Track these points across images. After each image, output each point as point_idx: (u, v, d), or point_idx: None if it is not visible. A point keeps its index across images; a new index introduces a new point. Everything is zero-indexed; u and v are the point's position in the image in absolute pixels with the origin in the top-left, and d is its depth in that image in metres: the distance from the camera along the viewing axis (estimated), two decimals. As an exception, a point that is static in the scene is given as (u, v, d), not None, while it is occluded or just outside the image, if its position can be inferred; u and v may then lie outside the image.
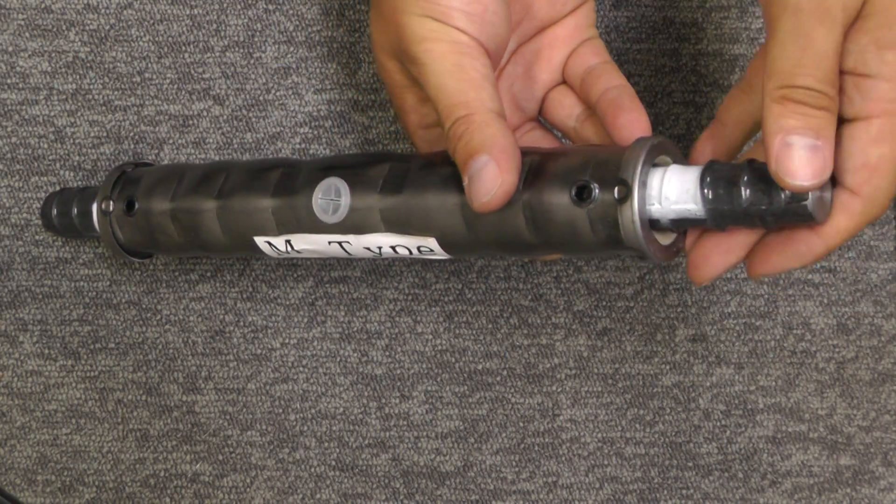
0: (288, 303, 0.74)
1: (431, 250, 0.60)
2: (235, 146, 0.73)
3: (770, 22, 0.49)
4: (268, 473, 0.75)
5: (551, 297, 0.75)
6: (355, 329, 0.75)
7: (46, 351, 0.75)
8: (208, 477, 0.75)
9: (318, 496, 0.76)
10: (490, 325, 0.75)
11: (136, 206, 0.66)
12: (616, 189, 0.53)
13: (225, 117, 0.73)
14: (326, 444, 0.75)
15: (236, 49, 0.73)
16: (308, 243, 0.61)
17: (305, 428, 0.75)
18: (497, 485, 0.76)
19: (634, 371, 0.76)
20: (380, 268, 0.74)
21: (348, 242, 0.60)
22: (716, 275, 0.55)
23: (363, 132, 0.74)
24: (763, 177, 0.51)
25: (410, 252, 0.60)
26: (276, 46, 0.73)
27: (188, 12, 0.73)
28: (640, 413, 0.76)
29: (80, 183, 0.74)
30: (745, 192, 0.52)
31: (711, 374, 0.76)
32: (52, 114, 0.73)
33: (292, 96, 0.73)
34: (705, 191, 0.53)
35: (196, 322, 0.75)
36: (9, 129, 0.73)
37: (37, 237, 0.74)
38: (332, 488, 0.76)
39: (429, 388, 0.75)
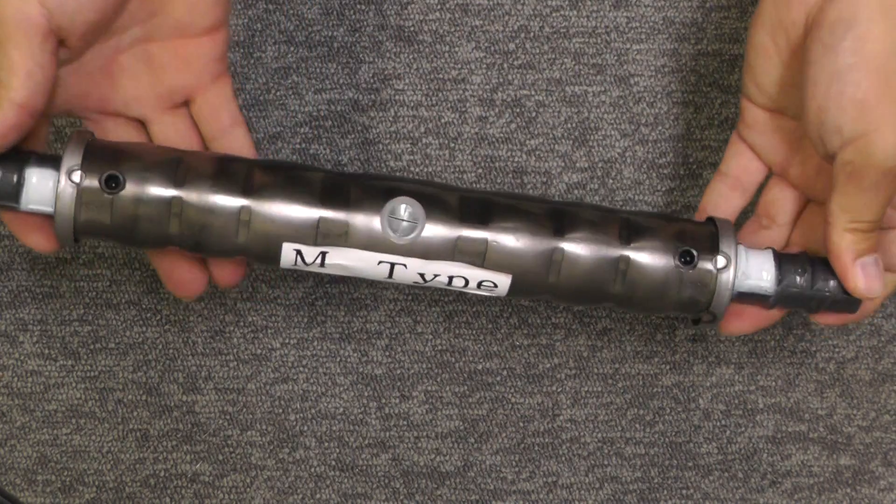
0: (288, 303, 0.74)
1: (495, 287, 0.60)
2: (235, 146, 0.74)
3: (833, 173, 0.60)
4: (268, 473, 0.75)
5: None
6: (355, 329, 0.75)
7: (46, 351, 0.75)
8: (208, 477, 0.75)
9: (318, 496, 0.76)
10: (490, 325, 0.75)
11: (124, 185, 0.59)
12: (717, 258, 0.61)
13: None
14: (326, 444, 0.75)
15: (236, 49, 0.73)
16: (348, 259, 0.59)
17: (305, 428, 0.75)
18: (497, 485, 0.76)
19: (634, 371, 0.76)
20: (380, 268, 0.74)
21: (404, 266, 0.59)
22: (749, 331, 0.65)
23: (363, 132, 0.74)
24: (828, 269, 0.62)
25: (467, 284, 0.60)
26: (276, 46, 0.73)
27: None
28: (640, 413, 0.76)
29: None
30: (813, 280, 0.62)
31: (711, 374, 0.76)
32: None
33: (292, 96, 0.73)
34: (782, 273, 0.62)
35: (196, 322, 0.75)
36: (9, 129, 0.73)
37: (37, 237, 0.74)
38: (332, 488, 0.76)
39: (429, 388, 0.75)
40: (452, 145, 0.74)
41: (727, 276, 0.61)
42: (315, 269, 0.60)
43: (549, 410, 0.75)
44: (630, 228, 0.61)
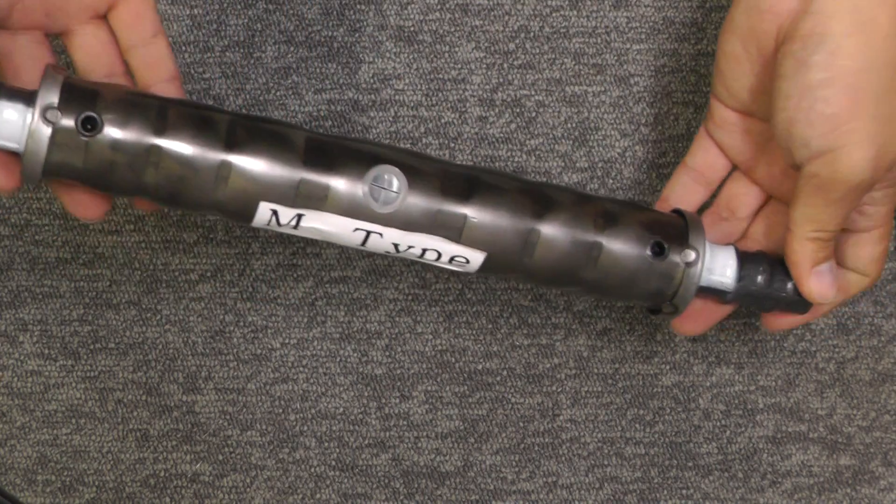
0: (288, 303, 0.74)
1: (467, 262, 0.59)
2: (235, 146, 0.73)
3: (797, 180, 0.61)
4: (268, 473, 0.75)
5: (551, 297, 0.75)
6: (355, 329, 0.75)
7: (46, 351, 0.75)
8: (208, 477, 0.75)
9: (318, 496, 0.76)
10: (490, 325, 0.75)
11: (101, 128, 0.55)
12: (687, 252, 0.61)
13: (225, 117, 0.73)
14: (326, 444, 0.75)
15: (236, 49, 0.73)
16: (324, 224, 0.58)
17: (305, 428, 0.75)
18: (497, 485, 0.76)
19: (634, 371, 0.76)
20: (380, 268, 0.74)
21: (379, 235, 0.58)
22: (700, 332, 0.67)
23: (363, 132, 0.74)
24: (785, 271, 0.63)
25: (439, 258, 0.60)
26: (276, 46, 0.73)
27: (188, 12, 0.73)
28: (640, 413, 0.76)
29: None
30: (771, 280, 0.63)
31: (711, 374, 0.76)
32: None
33: (292, 96, 0.73)
34: (742, 271, 0.63)
35: (196, 322, 0.75)
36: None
37: (37, 237, 0.74)
38: (332, 488, 0.76)
39: (429, 388, 0.75)
40: (452, 145, 0.74)
41: (695, 271, 0.62)
42: (287, 230, 0.58)
43: (549, 410, 0.75)
44: (605, 216, 0.61)
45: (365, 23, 0.73)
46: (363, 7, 0.73)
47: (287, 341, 0.75)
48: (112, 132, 0.56)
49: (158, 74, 0.61)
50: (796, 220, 0.61)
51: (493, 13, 0.73)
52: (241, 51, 0.73)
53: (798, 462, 0.76)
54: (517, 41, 0.73)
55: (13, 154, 0.57)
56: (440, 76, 0.74)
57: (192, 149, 0.56)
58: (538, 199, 0.60)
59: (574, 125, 0.74)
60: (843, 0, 0.58)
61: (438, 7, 0.73)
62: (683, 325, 0.66)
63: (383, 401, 0.75)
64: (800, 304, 0.63)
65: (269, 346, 0.75)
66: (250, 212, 0.57)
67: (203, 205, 0.57)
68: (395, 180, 0.58)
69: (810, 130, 0.59)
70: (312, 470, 0.75)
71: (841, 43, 0.58)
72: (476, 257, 0.59)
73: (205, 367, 0.75)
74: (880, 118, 0.59)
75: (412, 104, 0.74)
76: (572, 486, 0.76)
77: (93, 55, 0.60)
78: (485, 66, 0.73)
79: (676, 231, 0.62)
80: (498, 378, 0.75)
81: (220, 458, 0.75)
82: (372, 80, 0.73)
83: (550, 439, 0.76)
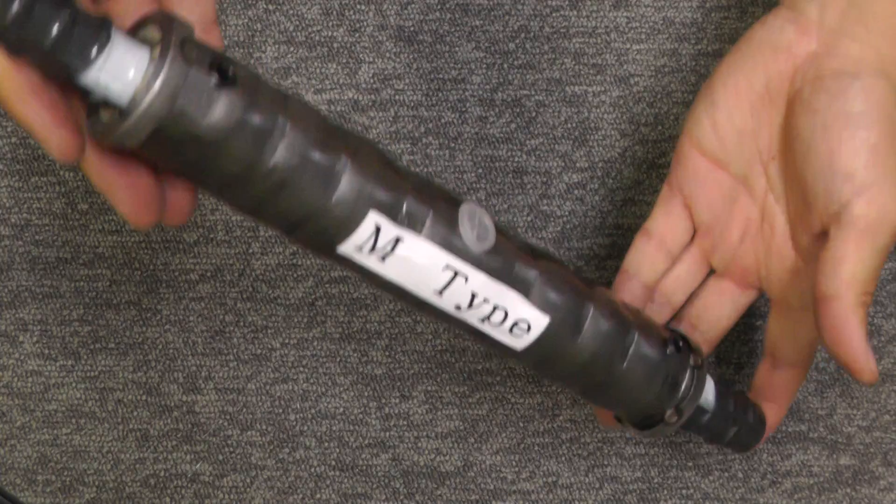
0: (288, 303, 0.74)
1: (528, 330, 0.55)
2: (235, 146, 0.73)
3: (830, 230, 0.58)
4: (268, 473, 0.75)
5: (551, 297, 0.75)
6: (355, 329, 0.75)
7: (46, 351, 0.75)
8: (208, 477, 0.75)
9: (318, 496, 0.76)
10: (490, 325, 0.75)
11: (236, 82, 0.47)
12: (694, 356, 0.60)
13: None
14: (326, 444, 0.75)
15: (236, 49, 0.73)
16: (418, 254, 0.52)
17: (305, 428, 0.75)
18: (497, 485, 0.76)
19: (634, 371, 0.76)
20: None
21: (465, 278, 0.53)
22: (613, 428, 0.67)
23: (363, 132, 0.74)
24: (745, 401, 0.64)
25: (504, 321, 0.55)
26: (276, 46, 0.73)
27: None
28: (640, 413, 0.76)
29: (81, 184, 0.74)
30: (738, 405, 0.63)
31: (711, 374, 0.76)
32: None
33: (292, 96, 0.73)
34: (718, 393, 0.62)
35: (196, 322, 0.75)
36: (9, 129, 0.73)
37: (37, 237, 0.74)
38: (332, 488, 0.76)
39: (429, 388, 0.75)
40: (452, 145, 0.74)
41: (703, 373, 0.60)
42: (372, 262, 0.52)
43: (549, 410, 0.76)
44: (628, 309, 0.59)
45: (365, 23, 0.73)
46: (363, 7, 0.73)
47: (287, 341, 0.75)
48: (246, 89, 0.47)
49: (199, 13, 0.52)
50: (845, 281, 0.56)
51: (493, 13, 0.73)
52: (241, 51, 0.73)
53: (798, 462, 0.76)
54: (517, 41, 0.73)
55: (105, 107, 0.47)
56: (440, 76, 0.74)
57: (316, 132, 0.49)
58: (580, 276, 0.58)
59: (574, 125, 0.74)
60: (868, 49, 0.58)
61: (438, 7, 0.73)
62: (604, 421, 0.65)
63: (383, 401, 0.75)
64: (754, 433, 0.63)
65: (269, 346, 0.75)
66: (354, 223, 0.50)
67: (306, 207, 0.50)
68: (486, 220, 0.54)
69: (855, 160, 0.57)
70: (312, 470, 0.76)
71: (872, 81, 0.57)
72: (539, 322, 0.55)
73: (205, 367, 0.75)
74: None
75: (412, 104, 0.74)
76: (572, 486, 0.76)
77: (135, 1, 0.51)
78: (485, 66, 0.74)
79: (680, 336, 0.61)
80: (498, 378, 0.75)
81: (220, 458, 0.75)
82: (372, 80, 0.73)
83: (550, 439, 0.76)
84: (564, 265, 0.58)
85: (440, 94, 0.74)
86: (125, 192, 0.49)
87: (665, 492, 0.76)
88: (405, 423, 0.75)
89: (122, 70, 0.46)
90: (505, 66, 0.74)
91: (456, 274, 0.53)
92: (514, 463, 0.76)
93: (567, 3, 0.74)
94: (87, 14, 0.46)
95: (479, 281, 0.53)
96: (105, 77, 0.46)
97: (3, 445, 0.75)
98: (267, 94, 0.48)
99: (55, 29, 0.44)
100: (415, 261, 0.52)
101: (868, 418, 0.76)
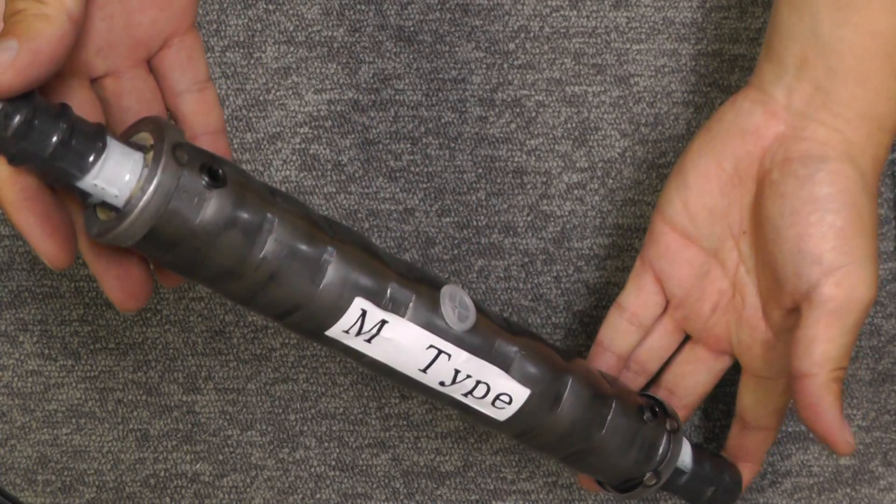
0: (288, 303, 0.75)
1: (509, 403, 0.58)
2: (235, 146, 0.73)
3: (802, 308, 0.60)
4: (268, 473, 0.75)
5: (551, 297, 0.75)
6: (355, 329, 0.75)
7: (46, 351, 0.75)
8: (208, 477, 0.75)
9: (318, 496, 0.76)
10: (490, 325, 0.75)
11: (226, 182, 0.49)
12: (670, 420, 0.63)
13: (225, 117, 0.73)
14: (326, 444, 0.75)
15: (236, 49, 0.73)
16: (402, 335, 0.55)
17: (305, 428, 0.75)
18: (497, 485, 0.76)
19: (634, 371, 0.76)
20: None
21: (447, 356, 0.56)
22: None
23: (363, 132, 0.74)
24: (721, 463, 0.66)
25: (486, 394, 0.58)
26: (276, 46, 0.73)
27: None
28: (640, 413, 0.76)
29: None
30: (714, 468, 0.65)
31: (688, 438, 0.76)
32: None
33: (292, 96, 0.73)
34: (694, 456, 0.65)
35: (196, 322, 0.75)
36: (9, 129, 0.73)
37: (37, 237, 0.74)
38: (332, 488, 0.76)
39: (429, 388, 0.75)
40: (452, 145, 0.74)
41: (680, 436, 0.63)
42: (358, 343, 0.55)
43: (549, 410, 0.76)
44: (605, 377, 0.63)
45: (365, 23, 0.73)
46: (363, 7, 0.73)
47: (287, 341, 0.75)
48: (235, 188, 0.50)
49: (208, 124, 0.57)
50: (817, 360, 0.59)
51: (493, 13, 0.73)
52: (241, 51, 0.73)
53: (798, 462, 0.76)
54: (517, 41, 0.73)
55: (69, 226, 0.51)
56: (440, 76, 0.74)
57: (302, 226, 0.52)
58: (558, 349, 0.61)
59: (574, 125, 0.74)
60: (833, 133, 0.60)
61: (438, 7, 0.73)
62: (586, 485, 0.68)
63: (383, 401, 0.75)
64: (730, 494, 0.66)
65: (269, 346, 0.75)
66: (340, 309, 0.53)
67: (291, 298, 0.53)
68: (466, 300, 0.57)
69: (823, 244, 0.59)
70: (312, 470, 0.76)
71: (838, 165, 0.59)
72: (520, 395, 0.58)
73: (205, 367, 0.75)
74: (874, 238, 0.60)
75: (412, 104, 0.74)
76: (572, 486, 0.76)
77: (144, 101, 0.55)
78: (485, 66, 0.73)
79: (657, 402, 0.64)
80: (498, 378, 0.75)
81: (220, 458, 0.75)
82: (372, 80, 0.73)
83: (550, 439, 0.76)
84: (543, 340, 0.61)
85: (440, 94, 0.74)
86: (115, 282, 0.53)
87: (665, 492, 0.76)
88: (405, 423, 0.75)
89: (117, 175, 0.48)
90: (505, 66, 0.74)
91: (439, 353, 0.56)
92: (514, 463, 0.76)
93: (567, 3, 0.74)
94: (84, 123, 0.49)
95: (462, 358, 0.57)
96: (101, 182, 0.48)
97: (3, 445, 0.75)
98: (255, 190, 0.51)
99: (54, 141, 0.47)
100: (399, 342, 0.55)
101: (868, 418, 0.76)
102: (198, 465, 0.75)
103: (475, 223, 0.74)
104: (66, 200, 0.52)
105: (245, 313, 0.75)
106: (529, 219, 0.74)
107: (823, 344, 0.59)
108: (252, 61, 0.73)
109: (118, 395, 0.75)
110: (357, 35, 0.73)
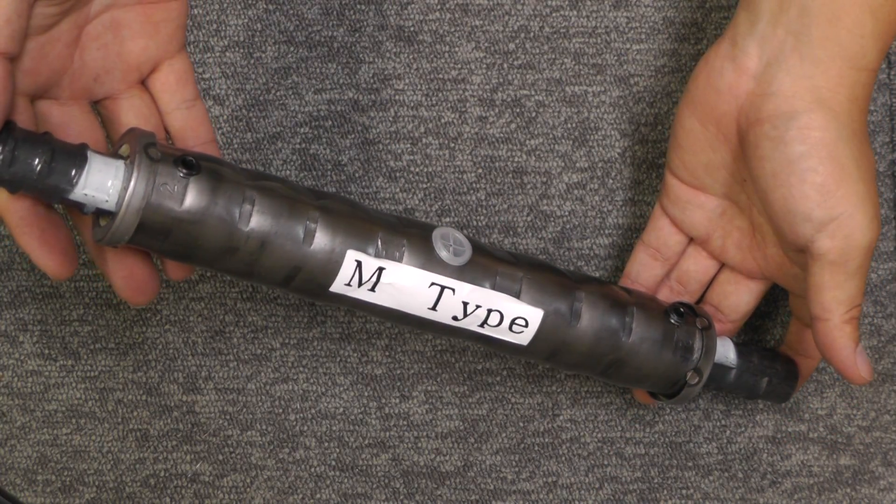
0: (288, 303, 0.74)
1: (526, 326, 0.61)
2: (236, 146, 0.73)
3: (808, 266, 0.62)
4: (268, 473, 0.75)
5: (551, 297, 0.75)
6: (355, 329, 0.75)
7: (46, 351, 0.75)
8: (208, 477, 0.75)
9: (318, 496, 0.76)
10: (490, 325, 0.75)
11: (200, 169, 0.56)
12: (701, 318, 0.65)
13: (225, 117, 0.73)
14: (326, 444, 0.75)
15: (236, 49, 0.73)
16: (403, 278, 0.59)
17: (305, 428, 0.75)
18: (497, 485, 0.76)
19: (634, 371, 0.76)
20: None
21: (452, 291, 0.60)
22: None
23: (363, 132, 0.74)
24: (771, 355, 0.68)
25: (501, 321, 0.61)
26: (276, 46, 0.73)
27: (188, 12, 0.73)
28: (640, 413, 0.76)
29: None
30: (764, 360, 0.67)
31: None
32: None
33: (292, 96, 0.73)
34: (740, 352, 0.67)
35: (196, 322, 0.75)
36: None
37: (37, 237, 0.74)
38: (332, 488, 0.76)
39: (429, 388, 0.75)
40: (452, 145, 0.74)
41: (713, 332, 0.65)
42: (363, 293, 0.59)
43: (549, 410, 0.76)
44: (623, 289, 0.65)
45: (365, 23, 0.73)
46: (363, 7, 0.73)
47: (287, 341, 0.75)
48: (210, 175, 0.56)
49: (198, 136, 0.61)
50: (828, 306, 0.61)
51: (493, 13, 0.73)
52: (241, 51, 0.73)
53: (798, 462, 0.76)
54: (517, 41, 0.73)
55: (67, 237, 0.57)
56: (440, 76, 0.74)
57: (283, 197, 0.57)
58: (567, 272, 0.63)
59: (574, 125, 0.74)
60: (800, 81, 0.60)
61: (438, 7, 0.73)
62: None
63: (383, 401, 0.75)
64: (788, 381, 0.67)
65: (269, 346, 0.75)
66: (335, 265, 0.58)
67: (286, 262, 0.58)
68: (460, 237, 0.61)
69: (807, 202, 0.60)
70: (312, 470, 0.76)
71: (808, 118, 0.60)
72: (534, 316, 0.61)
73: (205, 367, 0.75)
74: (864, 180, 0.60)
75: (412, 104, 0.74)
76: (572, 486, 0.76)
77: (142, 117, 0.60)
78: (485, 66, 0.74)
79: (683, 305, 0.66)
80: (498, 378, 0.75)
81: (220, 458, 0.75)
82: (372, 80, 0.73)
83: (550, 439, 0.76)
84: (549, 264, 0.63)
85: (440, 94, 0.74)
86: (123, 280, 0.59)
87: (665, 492, 0.76)
88: (405, 423, 0.75)
89: (102, 183, 0.55)
90: (505, 66, 0.74)
91: (443, 288, 0.59)
92: (514, 463, 0.76)
93: (567, 3, 0.74)
94: (64, 144, 0.55)
95: (466, 290, 0.60)
96: (90, 191, 0.55)
97: (3, 445, 0.75)
98: (231, 173, 0.57)
99: (38, 164, 0.54)
100: (401, 285, 0.59)
101: (868, 418, 0.76)
102: (198, 465, 0.75)
103: (475, 223, 0.74)
104: (75, 219, 0.60)
105: (245, 313, 0.75)
106: (529, 219, 0.74)
107: (831, 291, 0.61)
108: (252, 61, 0.73)
109: (118, 395, 0.75)
110: (357, 35, 0.73)
